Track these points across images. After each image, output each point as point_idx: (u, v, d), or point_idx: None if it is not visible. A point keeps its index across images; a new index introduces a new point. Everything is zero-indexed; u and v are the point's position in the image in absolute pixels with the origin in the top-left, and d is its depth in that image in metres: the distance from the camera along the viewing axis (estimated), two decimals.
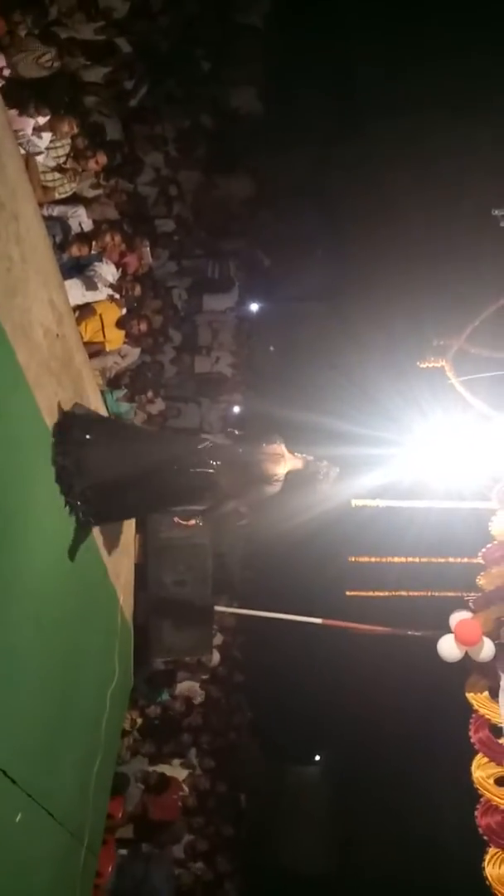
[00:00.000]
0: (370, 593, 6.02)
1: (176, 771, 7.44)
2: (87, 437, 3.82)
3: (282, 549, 6.74)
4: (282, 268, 10.37)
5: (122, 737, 6.43)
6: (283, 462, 3.98)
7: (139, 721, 6.84)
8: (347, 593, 6.05)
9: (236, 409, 9.55)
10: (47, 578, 4.08)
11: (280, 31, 11.24)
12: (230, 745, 9.19)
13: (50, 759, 4.22)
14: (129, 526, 6.01)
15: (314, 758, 16.53)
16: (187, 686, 7.70)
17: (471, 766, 4.84)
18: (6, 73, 4.28)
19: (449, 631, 4.74)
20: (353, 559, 5.67)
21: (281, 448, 3.99)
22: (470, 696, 4.97)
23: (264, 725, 11.59)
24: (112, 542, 5.41)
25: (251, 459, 3.94)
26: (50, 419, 4.09)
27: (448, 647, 4.72)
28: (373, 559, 5.57)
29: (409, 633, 5.72)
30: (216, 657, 7.95)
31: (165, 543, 5.99)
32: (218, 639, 7.88)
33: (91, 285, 5.78)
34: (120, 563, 5.66)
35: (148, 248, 6.73)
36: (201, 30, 10.45)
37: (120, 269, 6.20)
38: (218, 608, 6.41)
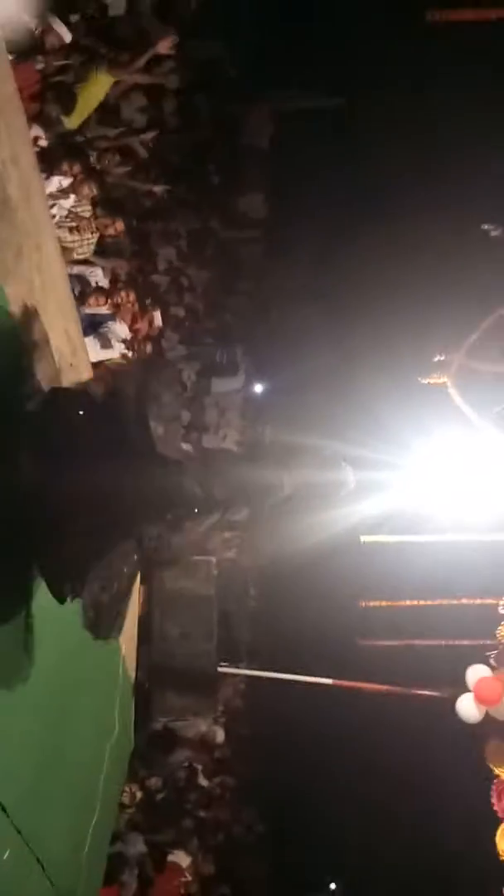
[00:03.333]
0: (383, 643, 5.81)
1: (178, 856, 6.82)
2: None
3: (289, 595, 6.60)
4: (286, 356, 10.87)
5: (121, 810, 6.00)
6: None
7: (139, 795, 6.40)
8: (360, 642, 5.84)
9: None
10: (47, 611, 4.04)
11: (284, 150, 12.40)
12: (234, 843, 8.47)
13: (43, 798, 3.99)
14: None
15: (329, 887, 15.06)
16: (190, 756, 7.25)
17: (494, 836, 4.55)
18: (41, 142, 4.81)
19: (467, 689, 4.57)
20: (364, 604, 5.54)
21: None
22: (491, 761, 4.71)
23: (273, 835, 10.68)
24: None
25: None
26: None
27: (468, 708, 4.53)
28: (384, 603, 5.44)
29: (426, 693, 5.49)
30: (220, 735, 7.53)
31: (171, 595, 5.91)
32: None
33: (105, 343, 6.11)
34: None
35: (159, 313, 7.15)
36: (212, 150, 11.57)
37: (133, 332, 6.56)
38: (223, 668, 6.19)
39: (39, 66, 5.27)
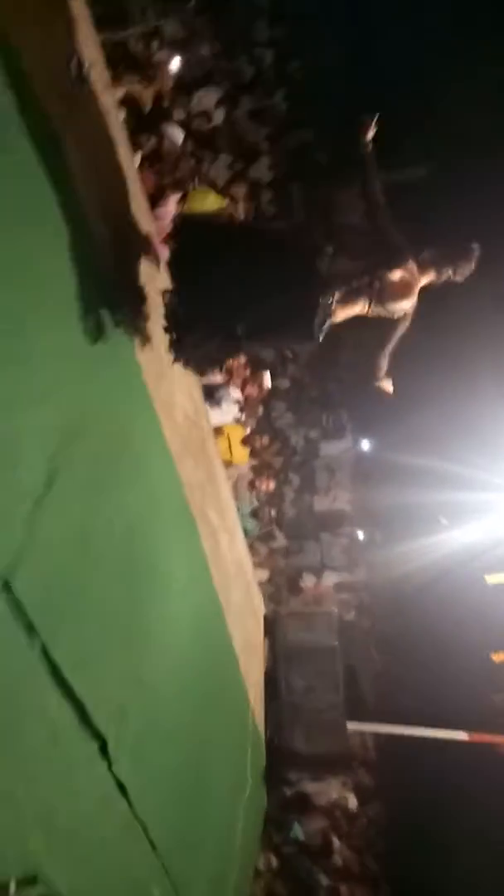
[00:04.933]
0: None
1: None
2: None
3: (415, 647, 6.41)
4: (391, 411, 10.94)
5: (256, 877, 5.86)
6: (414, 286, 3.53)
7: (275, 862, 6.21)
8: (493, 696, 5.58)
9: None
10: (187, 648, 4.25)
11: None
12: None
13: (187, 845, 4.06)
14: (258, 625, 6.07)
15: None
16: (324, 825, 6.96)
17: None
18: None
19: None
20: (497, 657, 5.32)
21: (414, 265, 3.50)
22: None
23: None
24: (242, 638, 5.50)
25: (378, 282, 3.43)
26: (190, 496, 4.55)
27: None
28: None
29: None
30: (353, 801, 7.23)
31: (293, 646, 5.95)
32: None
33: (221, 408, 6.53)
34: (249, 662, 5.67)
35: (268, 374, 7.55)
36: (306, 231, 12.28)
37: (244, 397, 6.96)
38: (351, 725, 6.05)
39: (156, 172, 6.00)
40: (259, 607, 6.47)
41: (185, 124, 6.56)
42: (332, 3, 10.74)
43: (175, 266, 3.55)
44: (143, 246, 4.09)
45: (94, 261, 3.24)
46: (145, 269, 4.00)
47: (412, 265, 3.52)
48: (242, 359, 6.48)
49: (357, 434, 10.76)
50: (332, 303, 3.40)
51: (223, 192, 7.19)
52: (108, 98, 3.75)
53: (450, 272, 3.61)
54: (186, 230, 3.68)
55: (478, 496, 5.68)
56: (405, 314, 3.57)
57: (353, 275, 3.42)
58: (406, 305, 3.52)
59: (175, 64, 6.29)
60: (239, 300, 3.35)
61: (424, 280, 3.59)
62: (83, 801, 2.77)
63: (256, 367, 7.22)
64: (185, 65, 7.19)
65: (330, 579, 9.33)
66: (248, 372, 6.82)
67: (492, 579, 4.59)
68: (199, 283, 3.40)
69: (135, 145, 5.25)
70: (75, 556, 2.82)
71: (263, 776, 5.74)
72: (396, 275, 3.45)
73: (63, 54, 3.23)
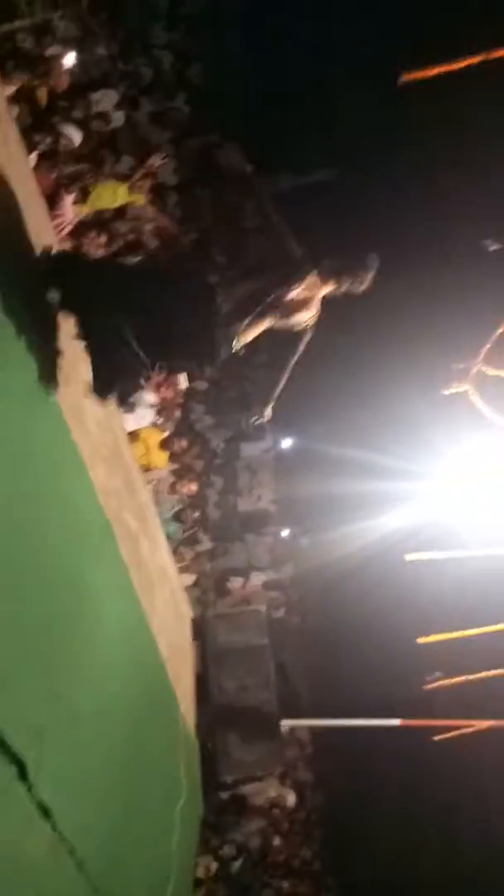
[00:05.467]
0: (451, 680, 5.66)
1: None
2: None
3: (342, 638, 6.49)
4: (312, 407, 11.07)
5: (198, 886, 5.77)
6: (314, 298, 3.60)
7: (214, 867, 6.15)
8: (426, 688, 5.69)
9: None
10: (109, 659, 4.13)
11: (291, 225, 13.11)
12: None
13: (118, 859, 3.94)
14: (185, 630, 6.00)
15: None
16: (262, 825, 6.95)
17: None
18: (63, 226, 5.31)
19: None
20: (422, 640, 5.44)
21: (313, 279, 3.55)
22: None
23: None
24: (169, 644, 5.41)
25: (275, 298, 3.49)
26: (105, 502, 4.43)
27: None
28: (444, 636, 5.33)
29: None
30: (291, 798, 7.26)
31: (224, 647, 5.91)
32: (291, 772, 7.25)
33: (135, 413, 6.40)
34: (179, 667, 5.59)
35: (184, 377, 7.48)
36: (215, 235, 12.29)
37: (160, 400, 6.87)
38: (286, 722, 6.07)
39: (53, 171, 5.83)
40: (186, 612, 6.39)
41: (83, 124, 6.41)
42: (229, 5, 10.81)
43: (68, 307, 3.52)
44: (42, 248, 3.96)
45: None
46: (41, 271, 3.86)
47: (312, 278, 3.59)
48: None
49: (277, 432, 10.83)
50: (234, 331, 3.47)
51: (132, 186, 7.06)
52: None
53: (349, 284, 3.68)
54: (69, 272, 3.62)
55: (398, 485, 5.81)
56: (307, 326, 3.64)
57: (253, 296, 3.48)
58: (307, 317, 3.60)
59: (70, 59, 6.14)
60: (140, 334, 3.38)
61: (324, 291, 3.65)
62: (2, 828, 2.63)
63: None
64: (81, 65, 7.05)
65: (257, 579, 9.35)
66: (161, 375, 6.73)
67: (410, 557, 4.69)
68: (94, 326, 3.44)
69: (29, 144, 5.09)
70: None
71: (199, 782, 5.67)
72: (295, 290, 3.52)
73: None
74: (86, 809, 3.41)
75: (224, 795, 6.25)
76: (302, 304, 3.55)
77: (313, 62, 10.28)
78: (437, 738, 5.79)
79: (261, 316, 3.49)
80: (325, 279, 3.61)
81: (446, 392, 4.83)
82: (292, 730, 6.60)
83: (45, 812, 2.96)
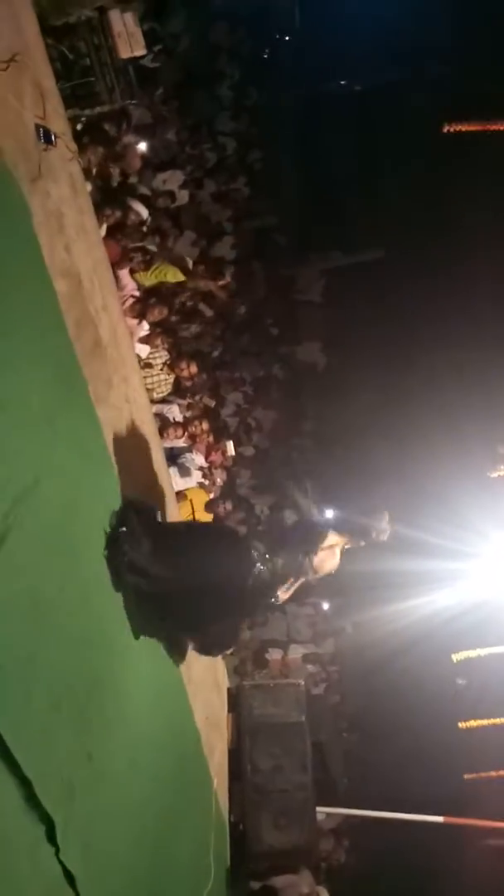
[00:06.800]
0: (491, 774, 5.33)
1: None
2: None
3: (384, 724, 6.18)
4: (356, 482, 11.05)
5: None
6: (335, 550, 3.96)
7: None
8: (466, 777, 5.37)
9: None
10: (143, 726, 4.01)
11: (335, 302, 13.50)
12: None
13: None
14: (221, 700, 5.80)
15: None
16: None
17: None
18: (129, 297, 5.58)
19: None
20: (463, 725, 5.17)
21: (333, 538, 3.95)
22: None
23: None
24: (204, 714, 5.24)
25: (304, 566, 3.91)
26: None
27: None
28: (485, 721, 5.07)
29: None
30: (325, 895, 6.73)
31: (259, 722, 5.68)
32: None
33: (185, 472, 6.49)
34: (212, 738, 5.39)
35: (231, 444, 7.56)
36: (269, 306, 12.72)
37: (208, 463, 6.94)
38: (322, 809, 5.73)
39: (120, 242, 6.17)
40: (223, 681, 6.21)
41: (149, 201, 6.80)
42: (287, 101, 11.73)
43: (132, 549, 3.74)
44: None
45: (55, 316, 3.24)
46: (110, 327, 4.03)
47: (332, 537, 3.96)
48: (206, 426, 6.51)
49: (321, 503, 10.73)
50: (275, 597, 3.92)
51: (189, 272, 7.37)
52: (75, 167, 3.88)
53: (367, 539, 4.08)
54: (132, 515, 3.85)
55: (446, 564, 5.68)
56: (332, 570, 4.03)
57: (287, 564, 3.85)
58: (333, 567, 3.97)
59: (143, 146, 6.60)
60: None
61: (343, 543, 4.02)
62: (25, 891, 2.51)
63: (219, 434, 7.24)
64: (152, 148, 7.56)
65: (297, 652, 9.08)
66: (211, 439, 6.82)
67: (457, 657, 4.51)
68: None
69: (100, 216, 5.40)
70: (24, 623, 2.67)
71: (227, 866, 5.35)
72: (320, 555, 3.90)
73: (32, 123, 3.34)
74: (111, 882, 3.24)
75: (255, 885, 5.85)
76: (326, 562, 3.93)
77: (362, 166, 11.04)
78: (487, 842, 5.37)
79: (294, 584, 3.94)
80: (342, 535, 3.99)
81: (492, 475, 4.76)
82: (328, 817, 6.22)
83: (71, 880, 2.82)
